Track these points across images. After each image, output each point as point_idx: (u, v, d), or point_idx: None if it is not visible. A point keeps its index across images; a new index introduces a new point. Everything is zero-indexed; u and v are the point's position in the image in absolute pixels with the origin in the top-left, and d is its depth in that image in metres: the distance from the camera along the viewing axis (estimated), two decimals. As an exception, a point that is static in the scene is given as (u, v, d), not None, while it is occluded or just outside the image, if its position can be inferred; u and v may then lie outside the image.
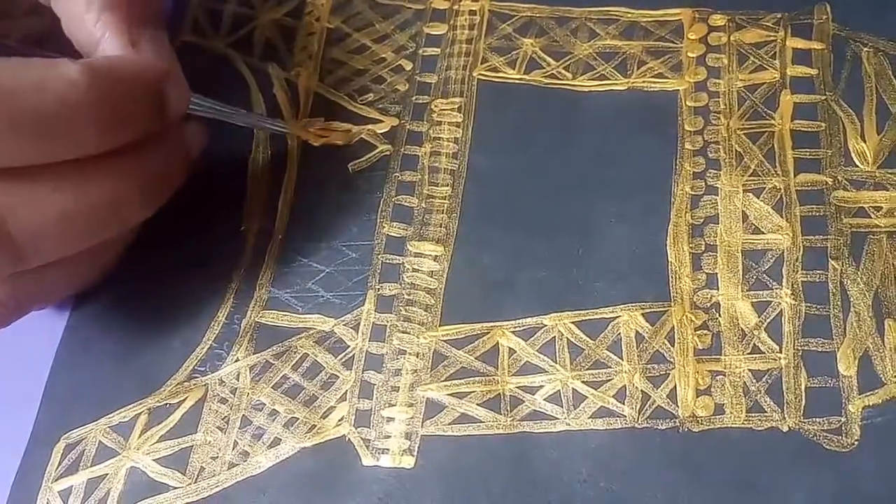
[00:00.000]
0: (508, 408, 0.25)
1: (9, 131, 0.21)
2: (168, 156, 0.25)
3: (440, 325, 0.26)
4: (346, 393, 0.26)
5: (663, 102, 0.29)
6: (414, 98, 0.30)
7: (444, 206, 0.28)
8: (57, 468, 0.26)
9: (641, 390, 0.24)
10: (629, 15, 0.30)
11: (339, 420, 0.25)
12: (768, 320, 0.25)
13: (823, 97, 0.28)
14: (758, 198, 0.26)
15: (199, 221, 0.29)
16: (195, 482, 0.25)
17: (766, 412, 0.24)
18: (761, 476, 0.23)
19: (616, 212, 0.27)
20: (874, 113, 0.27)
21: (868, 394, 0.23)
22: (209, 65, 0.32)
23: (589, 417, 0.24)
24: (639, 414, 0.24)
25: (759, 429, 0.23)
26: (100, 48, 0.24)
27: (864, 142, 0.27)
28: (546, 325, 0.26)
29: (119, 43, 0.24)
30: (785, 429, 0.23)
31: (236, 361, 0.27)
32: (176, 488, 0.25)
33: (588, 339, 0.25)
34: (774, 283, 0.25)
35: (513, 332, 0.26)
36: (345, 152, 0.30)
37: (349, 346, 0.26)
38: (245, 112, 0.29)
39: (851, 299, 0.25)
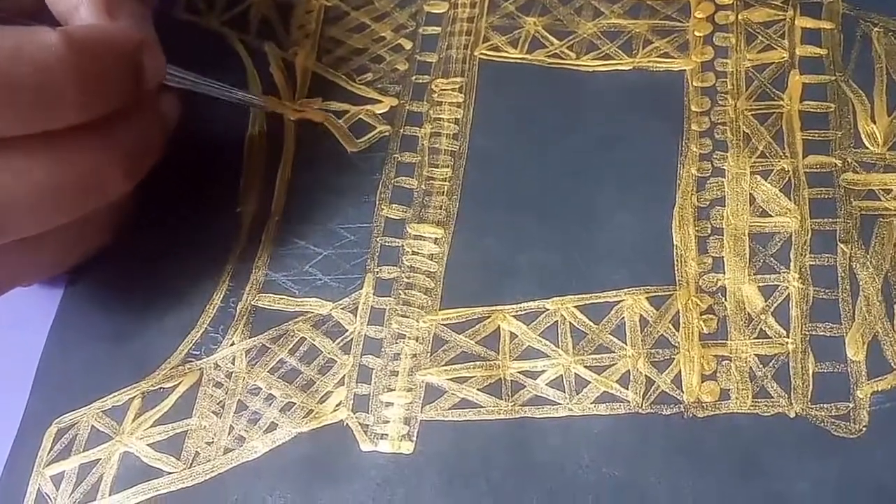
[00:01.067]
0: (509, 393, 0.24)
1: None
2: (145, 127, 0.25)
3: (440, 309, 0.26)
4: (343, 377, 0.25)
5: (669, 83, 0.28)
6: (414, 78, 0.30)
7: (444, 187, 0.28)
8: (49, 453, 0.25)
9: (645, 375, 0.24)
10: (634, -7, 0.30)
11: (337, 405, 0.25)
12: (775, 304, 0.24)
13: (833, 78, 0.27)
14: (766, 180, 0.26)
15: (194, 202, 0.28)
16: (190, 467, 0.24)
17: (772, 398, 0.23)
18: (767, 462, 0.22)
19: (620, 194, 0.26)
20: (885, 94, 0.27)
21: (877, 379, 0.23)
22: (203, 43, 0.31)
23: (592, 403, 0.24)
24: (643, 399, 0.24)
25: (766, 415, 0.23)
26: (77, 16, 0.24)
27: (875, 123, 0.26)
28: (548, 310, 0.25)
29: (96, 10, 0.24)
30: (792, 415, 0.23)
31: (232, 345, 0.26)
32: (170, 473, 0.24)
33: (591, 323, 0.25)
34: (782, 267, 0.25)
35: (514, 316, 0.25)
36: (343, 133, 0.29)
37: (347, 330, 0.26)
38: (221, 84, 0.28)
39: (860, 283, 0.24)
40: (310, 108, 0.29)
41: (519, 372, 0.24)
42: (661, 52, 0.29)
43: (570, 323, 0.25)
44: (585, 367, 0.24)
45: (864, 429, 0.22)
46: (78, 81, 0.21)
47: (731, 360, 0.24)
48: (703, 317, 0.24)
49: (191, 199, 0.28)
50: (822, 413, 0.23)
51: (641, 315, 0.25)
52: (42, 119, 0.21)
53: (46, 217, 0.23)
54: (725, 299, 0.25)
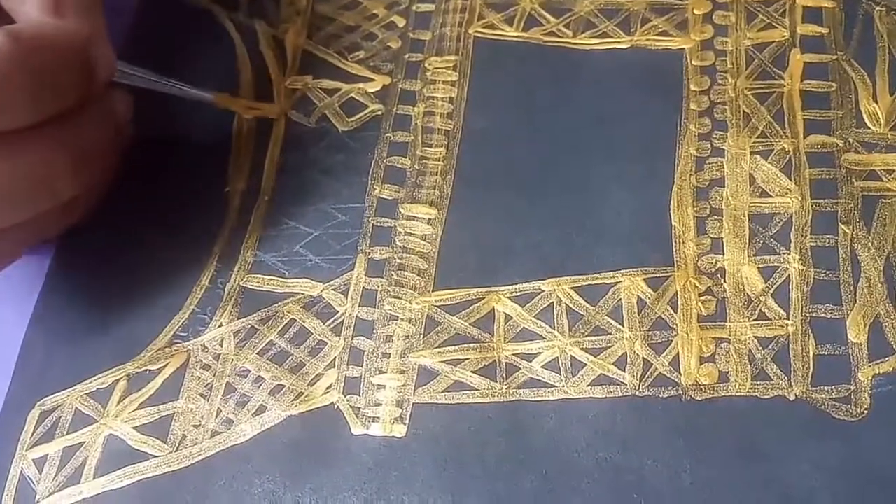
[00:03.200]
0: (504, 375, 0.24)
1: None
2: (97, 125, 0.24)
3: (433, 291, 0.25)
4: (334, 360, 0.25)
5: (668, 61, 0.27)
6: (407, 56, 0.29)
7: (438, 167, 0.27)
8: (32, 436, 0.25)
9: (643, 357, 0.23)
10: (632, -29, 0.29)
11: (328, 387, 0.24)
12: (775, 286, 0.24)
13: (834, 57, 0.27)
14: (766, 160, 0.25)
15: (182, 181, 0.28)
16: (176, 451, 0.24)
17: (772, 380, 0.23)
18: (767, 446, 0.22)
19: (617, 174, 0.26)
20: (887, 73, 0.26)
21: (878, 361, 0.23)
22: (193, 21, 0.31)
23: (588, 385, 0.23)
24: (640, 382, 0.23)
25: (765, 397, 0.22)
26: (23, 11, 0.23)
27: (877, 103, 0.26)
28: (544, 291, 0.25)
29: (42, 5, 0.23)
30: (792, 397, 0.22)
31: (220, 327, 0.26)
32: (156, 457, 0.24)
33: (588, 304, 0.24)
34: (782, 248, 0.24)
35: (509, 297, 0.25)
36: (334, 111, 0.29)
37: (338, 312, 0.25)
38: (172, 81, 0.28)
39: (862, 265, 0.24)
40: (262, 106, 0.29)
41: (514, 354, 0.24)
42: (660, 30, 0.28)
43: (566, 304, 0.24)
44: (582, 349, 0.24)
45: (866, 412, 0.22)
46: (27, 81, 0.21)
47: (729, 343, 0.23)
48: (702, 298, 0.24)
49: (178, 179, 0.28)
50: (823, 396, 0.22)
51: (639, 296, 0.24)
52: None
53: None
54: (724, 281, 0.24)
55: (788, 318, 0.23)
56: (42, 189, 0.23)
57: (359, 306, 0.25)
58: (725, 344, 0.23)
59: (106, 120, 0.25)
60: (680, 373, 0.23)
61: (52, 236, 0.27)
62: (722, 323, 0.24)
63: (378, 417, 0.24)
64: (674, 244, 0.25)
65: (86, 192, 0.25)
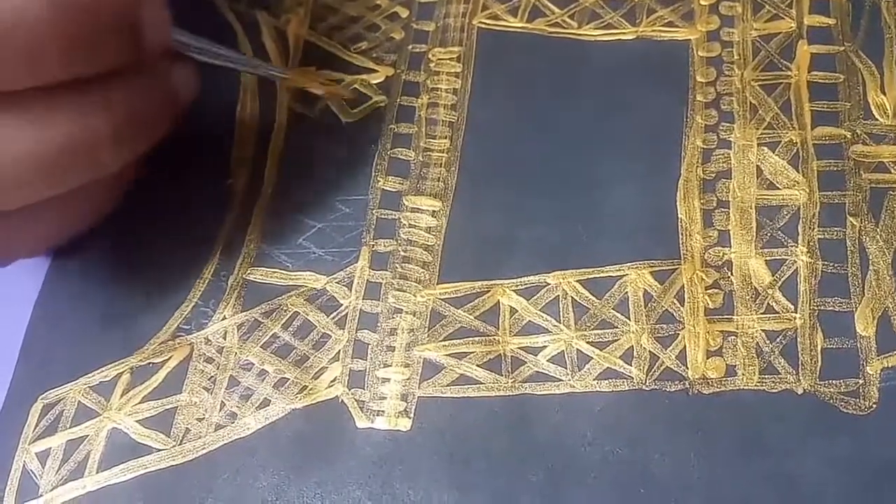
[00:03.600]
0: (509, 369, 0.24)
1: None
2: (146, 94, 0.23)
3: (438, 283, 0.25)
4: (339, 353, 0.24)
5: (674, 52, 0.27)
6: (410, 47, 0.29)
7: (442, 159, 0.27)
8: (34, 429, 0.25)
9: (649, 351, 0.23)
10: (638, -39, 0.29)
11: (332, 381, 0.24)
12: (783, 279, 0.24)
13: (842, 48, 0.26)
14: (773, 152, 0.25)
15: (184, 173, 0.28)
16: (180, 444, 0.24)
17: (779, 374, 0.23)
18: (774, 440, 0.22)
19: (623, 166, 0.26)
20: (894, 65, 0.26)
21: (887, 355, 0.22)
22: (193, 12, 0.30)
23: (594, 379, 0.23)
24: (646, 375, 0.23)
25: (773, 391, 0.22)
26: None
27: (885, 94, 0.26)
28: (549, 284, 0.25)
29: None
30: (800, 391, 0.22)
31: (223, 320, 0.25)
32: (160, 450, 0.24)
33: (594, 298, 0.24)
34: (790, 241, 0.24)
35: (514, 290, 0.25)
36: (337, 103, 0.28)
37: (342, 305, 0.25)
38: (242, 55, 0.27)
39: (870, 257, 0.23)
40: (335, 82, 0.28)
41: (519, 348, 0.24)
42: (666, 21, 0.28)
43: (572, 297, 0.24)
44: (588, 342, 0.24)
45: (874, 405, 0.22)
46: (63, 34, 0.20)
47: (737, 336, 0.23)
48: (709, 291, 0.24)
49: (181, 171, 0.28)
50: (831, 389, 0.22)
51: (645, 290, 0.24)
52: (26, 73, 0.20)
53: (35, 187, 0.21)
54: (731, 274, 0.24)
55: (796, 312, 0.23)
56: (82, 157, 0.22)
57: (363, 299, 0.25)
58: (733, 337, 0.23)
59: (158, 91, 0.24)
60: (687, 366, 0.23)
61: (97, 221, 0.26)
62: (729, 316, 0.23)
63: (383, 411, 0.23)
64: (680, 237, 0.25)
65: (127, 170, 0.24)
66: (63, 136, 0.21)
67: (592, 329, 0.24)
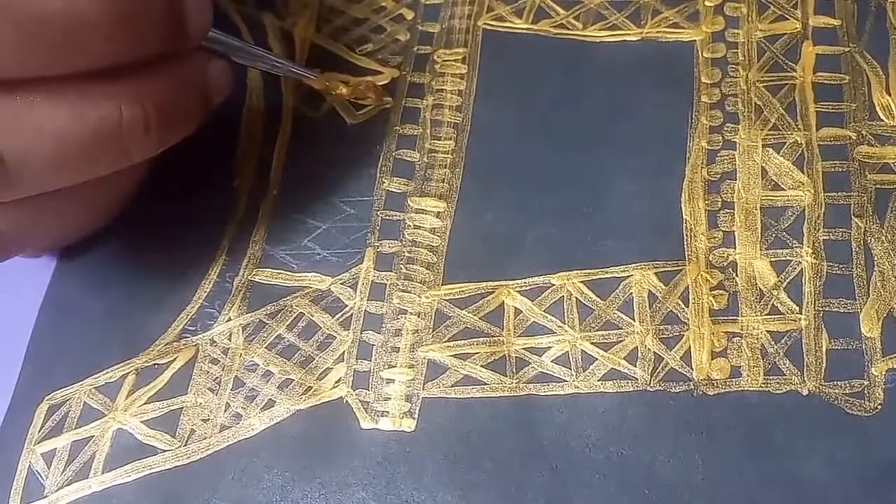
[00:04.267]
0: (514, 369, 0.24)
1: (10, 36, 0.19)
2: (181, 86, 0.23)
3: (443, 284, 0.25)
4: (343, 354, 0.24)
5: (679, 53, 0.27)
6: (415, 48, 0.29)
7: (447, 160, 0.27)
8: (40, 430, 0.25)
9: (654, 352, 0.23)
10: (643, -38, 0.29)
11: (337, 381, 0.24)
12: (788, 280, 0.24)
13: (847, 49, 0.26)
14: (778, 153, 0.25)
15: (190, 175, 0.28)
16: (185, 445, 0.24)
17: (784, 375, 0.22)
18: (779, 441, 0.22)
19: (628, 167, 0.26)
20: (900, 66, 0.26)
21: (892, 356, 0.22)
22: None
23: (598, 380, 0.23)
24: (651, 376, 0.23)
25: (778, 392, 0.22)
26: None
27: (890, 95, 0.26)
28: (554, 285, 0.25)
29: None
30: (805, 392, 0.22)
31: (228, 321, 0.25)
32: (165, 451, 0.24)
33: (598, 298, 0.24)
34: (795, 242, 0.24)
35: (519, 291, 0.25)
36: (343, 104, 0.28)
37: (347, 306, 0.25)
38: (274, 57, 0.27)
39: (875, 258, 0.23)
40: (368, 88, 0.28)
41: (524, 348, 0.24)
42: (671, 22, 0.28)
43: (577, 298, 0.24)
44: (592, 343, 0.24)
45: (880, 407, 0.22)
46: (110, 21, 0.20)
47: (742, 337, 0.23)
48: (714, 292, 0.24)
49: (186, 173, 0.28)
50: (836, 391, 0.22)
51: (650, 291, 0.24)
52: (70, 60, 0.20)
53: (64, 170, 0.21)
54: (736, 275, 0.24)
55: (801, 313, 0.23)
56: (113, 144, 0.22)
57: (367, 300, 0.25)
58: (737, 338, 0.23)
59: (193, 83, 0.24)
60: (691, 367, 0.23)
61: (121, 209, 0.26)
62: (734, 317, 0.23)
63: (387, 412, 0.23)
64: (685, 238, 0.25)
65: (143, 166, 0.24)
66: (95, 122, 0.21)
67: (597, 330, 0.24)
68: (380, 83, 0.29)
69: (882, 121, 0.25)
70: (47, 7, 0.19)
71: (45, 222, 0.23)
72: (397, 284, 0.25)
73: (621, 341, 0.24)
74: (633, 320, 0.24)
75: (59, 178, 0.22)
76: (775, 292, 0.23)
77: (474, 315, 0.24)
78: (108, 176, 0.23)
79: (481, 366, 0.24)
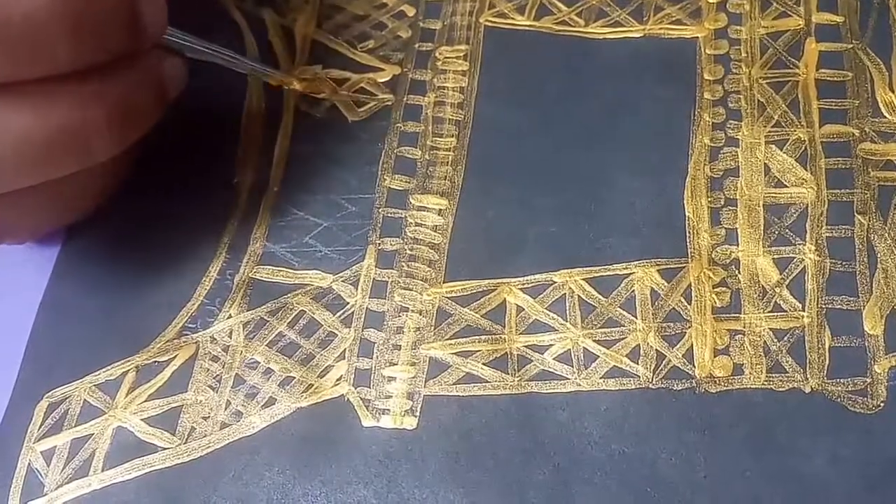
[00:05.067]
0: (516, 367, 0.23)
1: None
2: (139, 85, 0.24)
3: (444, 282, 0.25)
4: (344, 351, 0.24)
5: (681, 50, 0.27)
6: (417, 45, 0.29)
7: (448, 157, 0.27)
8: (39, 428, 0.25)
9: (656, 349, 0.23)
10: (645, -41, 0.29)
11: (338, 379, 0.24)
12: (791, 277, 0.23)
13: (850, 45, 0.26)
14: (781, 150, 0.25)
15: (190, 172, 0.27)
16: (185, 443, 0.24)
17: (787, 372, 0.22)
18: (782, 439, 0.22)
19: (630, 164, 0.26)
20: (903, 62, 0.26)
21: (895, 354, 0.22)
22: (198, 9, 0.30)
23: (601, 377, 0.23)
24: (653, 374, 0.23)
25: (781, 390, 0.22)
26: None
27: (893, 92, 0.25)
28: (556, 282, 0.24)
29: None
30: (807, 390, 0.22)
31: (229, 318, 0.25)
32: (165, 449, 0.24)
33: (600, 296, 0.24)
34: (797, 239, 0.24)
35: (521, 288, 0.24)
36: (344, 101, 0.28)
37: (348, 303, 0.25)
38: (228, 52, 0.27)
39: (878, 255, 0.23)
40: (320, 81, 0.28)
41: (525, 346, 0.24)
42: (673, 18, 0.28)
43: (579, 296, 0.24)
44: (594, 341, 0.24)
45: (882, 404, 0.22)
46: (70, 28, 0.20)
47: (744, 335, 0.23)
48: (716, 290, 0.24)
49: (187, 169, 0.28)
50: (839, 388, 0.22)
51: (652, 288, 0.24)
52: (33, 66, 0.20)
53: (28, 170, 0.22)
54: (739, 272, 0.24)
55: (804, 310, 0.23)
56: (76, 145, 0.22)
57: (369, 298, 0.25)
58: (740, 336, 0.23)
59: (150, 82, 0.24)
60: (694, 365, 0.23)
61: (90, 209, 0.26)
62: (736, 315, 0.23)
63: (388, 409, 0.23)
64: (687, 235, 0.24)
65: (116, 162, 0.24)
66: (58, 123, 0.21)
67: (599, 327, 0.24)
68: (381, 80, 0.29)
69: (885, 117, 0.25)
70: (8, 18, 0.20)
71: (16, 218, 0.24)
72: (399, 282, 0.25)
73: (623, 339, 0.23)
74: (636, 318, 0.24)
75: (23, 179, 0.22)
76: (778, 289, 0.23)
77: (476, 313, 0.24)
78: (80, 172, 0.23)
79: (483, 363, 0.24)
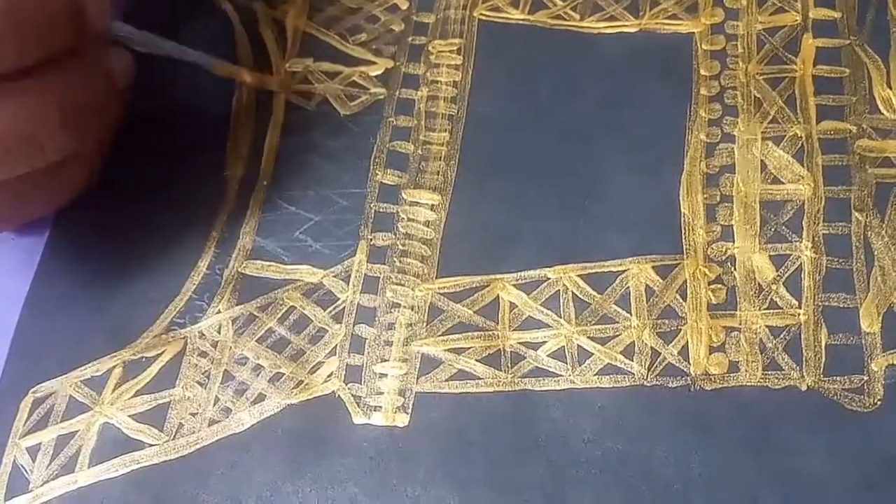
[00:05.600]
0: (509, 364, 0.23)
1: None
2: (89, 80, 0.23)
3: (437, 278, 0.25)
4: (335, 347, 0.24)
5: (677, 45, 0.27)
6: (410, 39, 0.29)
7: (441, 152, 0.27)
8: (25, 423, 0.24)
9: (651, 347, 0.23)
10: (641, -47, 0.29)
11: (328, 376, 0.24)
12: (787, 274, 0.23)
13: (847, 42, 0.26)
14: (777, 146, 0.25)
15: (179, 165, 0.27)
16: (173, 439, 0.23)
17: (783, 370, 0.22)
18: (778, 436, 0.21)
19: (625, 160, 0.25)
20: (900, 59, 0.26)
21: (892, 352, 0.22)
22: (189, 2, 0.30)
23: (595, 375, 0.23)
24: (648, 371, 0.23)
25: (776, 387, 0.22)
26: None
27: (890, 89, 0.25)
28: (550, 279, 0.24)
29: None
30: (803, 387, 0.22)
31: (218, 313, 0.25)
32: (152, 445, 0.23)
33: (595, 292, 0.24)
34: (794, 236, 0.24)
35: (514, 285, 0.24)
36: (336, 95, 0.28)
37: (339, 299, 0.25)
38: (173, 43, 0.27)
39: (875, 253, 0.23)
40: (265, 75, 0.28)
41: (519, 343, 0.23)
42: (669, 13, 0.27)
43: (573, 292, 0.24)
44: (588, 337, 0.23)
45: (879, 402, 0.22)
46: (13, 26, 0.20)
47: (740, 332, 0.23)
48: (711, 287, 0.23)
49: (176, 163, 0.27)
50: (835, 386, 0.22)
51: (647, 285, 0.24)
52: None
53: None
54: (735, 269, 0.24)
55: (800, 307, 0.23)
56: (28, 143, 0.22)
57: (360, 293, 0.25)
58: (736, 333, 0.23)
59: (98, 75, 0.24)
60: (689, 362, 0.23)
61: (49, 210, 0.26)
62: (732, 312, 0.23)
63: (380, 406, 0.23)
64: (683, 231, 0.24)
65: (79, 160, 0.24)
66: (9, 120, 0.21)
67: (593, 324, 0.23)
68: (373, 73, 0.28)
69: (882, 114, 0.25)
70: None
71: None
72: (391, 277, 0.25)
73: (618, 336, 0.23)
74: (630, 314, 0.23)
75: None
76: (774, 287, 0.23)
77: (469, 309, 0.24)
78: (40, 171, 0.23)
79: (476, 360, 0.23)
